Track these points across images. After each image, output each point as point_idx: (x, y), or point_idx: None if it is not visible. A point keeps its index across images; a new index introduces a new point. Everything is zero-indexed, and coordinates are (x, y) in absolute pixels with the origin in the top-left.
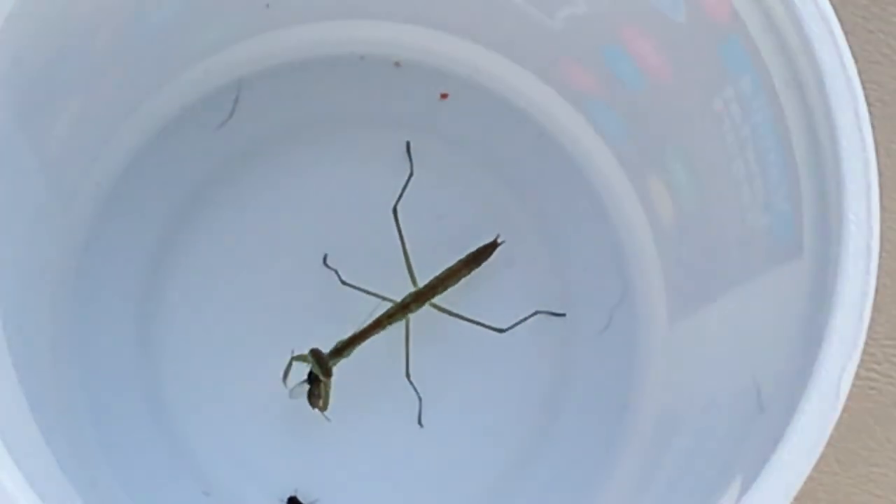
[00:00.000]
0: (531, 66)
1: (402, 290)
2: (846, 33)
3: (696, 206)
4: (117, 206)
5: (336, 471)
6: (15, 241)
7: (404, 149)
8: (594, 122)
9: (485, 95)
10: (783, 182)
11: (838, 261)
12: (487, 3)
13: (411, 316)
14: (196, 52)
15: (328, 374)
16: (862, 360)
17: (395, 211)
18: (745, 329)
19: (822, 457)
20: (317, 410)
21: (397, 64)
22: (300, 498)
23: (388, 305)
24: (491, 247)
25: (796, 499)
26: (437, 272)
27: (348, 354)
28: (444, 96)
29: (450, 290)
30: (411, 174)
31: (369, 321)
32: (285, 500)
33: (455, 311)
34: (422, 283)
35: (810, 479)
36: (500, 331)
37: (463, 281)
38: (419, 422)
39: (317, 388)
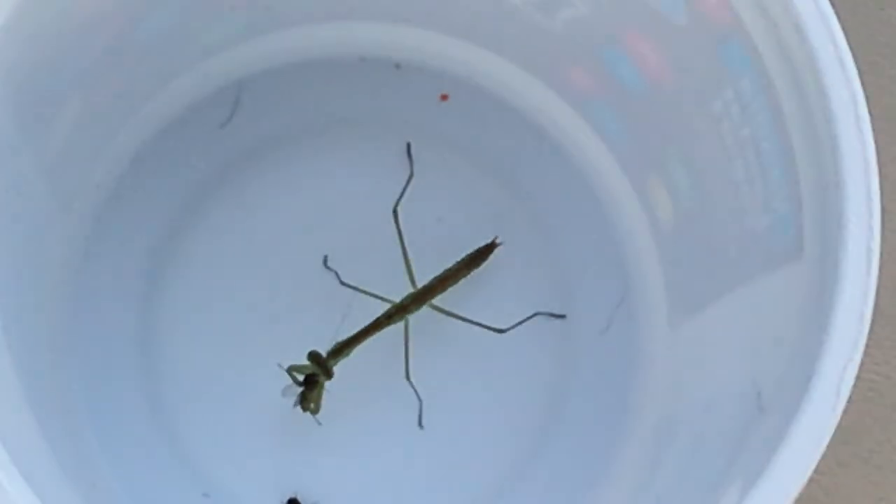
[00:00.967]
0: (531, 67)
1: (401, 291)
2: (846, 33)
3: (696, 206)
4: (117, 207)
5: (336, 473)
6: (15, 243)
7: (404, 150)
8: (594, 123)
9: (484, 97)
10: (783, 183)
11: (838, 262)
12: (488, 5)
13: (410, 317)
14: (196, 53)
15: (329, 375)
16: (862, 362)
17: (395, 212)
18: (745, 330)
19: (822, 458)
20: (308, 414)
21: (397, 66)
22: (300, 500)
23: (388, 306)
24: (490, 248)
25: (798, 499)
26: (437, 273)
27: (347, 355)
28: (444, 97)
29: (449, 290)
30: (411, 175)
31: (368, 322)
32: (285, 502)
33: (455, 312)
34: (421, 284)
35: (810, 480)
36: (500, 331)
37: (462, 282)
38: (419, 423)
39: (310, 392)
